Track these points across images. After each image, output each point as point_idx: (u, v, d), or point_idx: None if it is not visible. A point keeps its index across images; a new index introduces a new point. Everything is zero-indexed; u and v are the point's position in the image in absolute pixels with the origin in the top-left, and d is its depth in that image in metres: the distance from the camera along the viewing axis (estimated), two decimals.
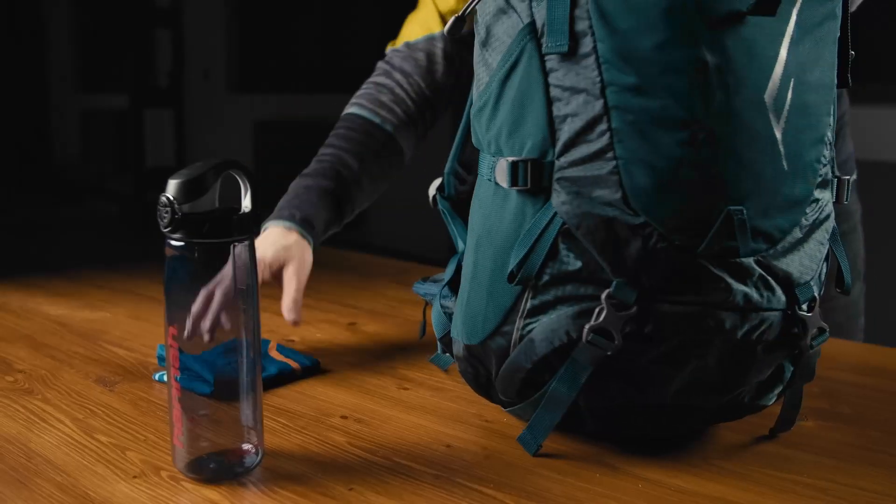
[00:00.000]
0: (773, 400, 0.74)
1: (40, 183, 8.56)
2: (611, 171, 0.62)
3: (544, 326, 0.66)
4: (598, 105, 0.62)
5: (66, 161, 9.21)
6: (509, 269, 0.67)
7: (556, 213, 0.64)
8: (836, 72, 0.69)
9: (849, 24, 0.71)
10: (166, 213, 0.62)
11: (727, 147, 0.62)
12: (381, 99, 1.07)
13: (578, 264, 0.64)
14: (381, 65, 1.13)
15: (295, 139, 6.13)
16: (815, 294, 0.68)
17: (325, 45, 6.36)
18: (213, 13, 7.17)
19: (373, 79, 1.12)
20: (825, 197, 0.69)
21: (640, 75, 0.61)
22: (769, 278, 0.65)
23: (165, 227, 0.63)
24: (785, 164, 0.64)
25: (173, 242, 0.64)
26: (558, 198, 0.64)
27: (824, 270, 0.71)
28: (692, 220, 0.62)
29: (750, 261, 0.64)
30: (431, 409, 0.83)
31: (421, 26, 1.10)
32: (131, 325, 1.12)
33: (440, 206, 0.87)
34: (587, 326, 0.64)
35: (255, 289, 0.68)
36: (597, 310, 0.64)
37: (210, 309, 0.71)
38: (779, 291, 0.66)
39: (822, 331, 0.69)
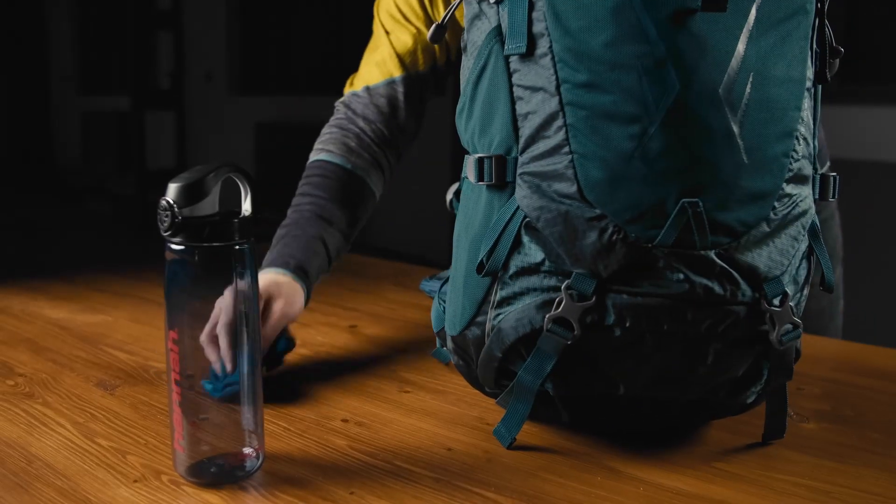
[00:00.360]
0: (753, 398, 0.74)
1: (41, 184, 8.56)
2: (566, 165, 0.64)
3: (511, 316, 0.69)
4: (553, 102, 0.65)
5: (67, 162, 9.22)
6: (478, 261, 0.69)
7: (518, 207, 0.67)
8: (808, 67, 0.68)
9: (825, 18, 0.71)
10: (166, 216, 0.62)
11: (679, 140, 0.62)
12: (349, 144, 1.06)
13: (541, 256, 0.67)
14: (340, 108, 1.10)
15: (296, 141, 6.14)
16: (787, 289, 0.68)
17: (326, 47, 6.36)
18: (215, 15, 7.17)
19: (335, 123, 1.09)
20: (801, 192, 0.69)
21: (591, 72, 0.63)
22: (732, 271, 0.66)
23: (165, 231, 0.63)
24: (744, 157, 0.64)
25: (173, 246, 0.64)
26: (520, 192, 0.67)
27: (803, 266, 0.71)
28: (647, 213, 0.63)
29: (710, 253, 0.65)
30: (432, 412, 0.83)
31: (380, 70, 1.08)
32: (132, 328, 1.12)
33: (455, 210, 0.88)
34: (547, 316, 0.66)
35: (256, 293, 0.67)
36: (556, 300, 0.66)
37: (221, 350, 0.74)
38: (744, 285, 0.66)
39: (794, 326, 0.69)
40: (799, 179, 0.68)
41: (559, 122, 0.65)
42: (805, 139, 0.69)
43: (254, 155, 6.64)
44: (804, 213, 0.70)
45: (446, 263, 0.87)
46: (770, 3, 0.65)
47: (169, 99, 6.62)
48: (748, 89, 0.64)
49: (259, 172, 6.53)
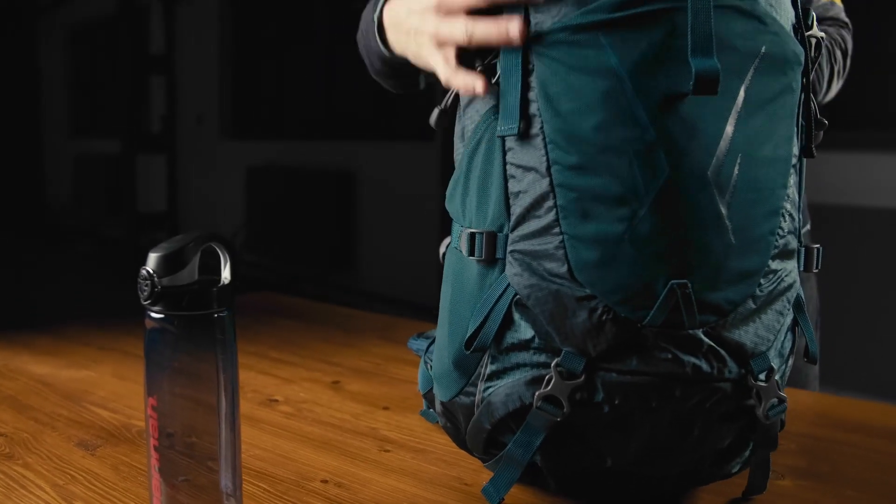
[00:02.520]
0: (738, 468, 0.74)
1: (32, 227, 8.55)
2: (557, 246, 0.65)
3: (501, 391, 0.69)
4: (544, 183, 0.66)
5: (57, 205, 9.23)
6: (466, 336, 0.70)
7: (509, 284, 0.67)
8: (794, 144, 0.70)
9: (811, 95, 0.73)
10: (146, 286, 0.63)
11: (668, 223, 0.63)
12: None
13: (531, 333, 0.67)
14: None
15: (287, 186, 6.18)
16: (773, 364, 0.69)
17: (319, 92, 6.42)
18: (207, 59, 7.25)
19: None
20: (786, 267, 0.70)
21: (582, 155, 0.64)
22: (719, 349, 0.66)
23: (146, 300, 0.64)
24: (732, 238, 0.65)
25: (153, 315, 0.65)
26: (511, 269, 0.67)
27: (787, 338, 0.72)
28: (637, 294, 0.64)
29: (698, 332, 0.66)
30: (412, 471, 0.83)
31: None
32: (116, 384, 1.12)
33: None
34: (537, 394, 0.66)
35: (236, 361, 0.68)
36: (546, 377, 0.66)
37: None
38: (730, 362, 0.67)
39: (780, 401, 0.70)
40: (784, 255, 0.70)
41: (550, 202, 0.65)
42: (791, 215, 0.70)
43: (245, 199, 6.67)
44: (789, 287, 0.71)
45: (435, 309, 0.88)
46: (758, 85, 0.66)
47: (160, 142, 6.68)
48: (736, 171, 0.65)
49: (250, 217, 6.55)
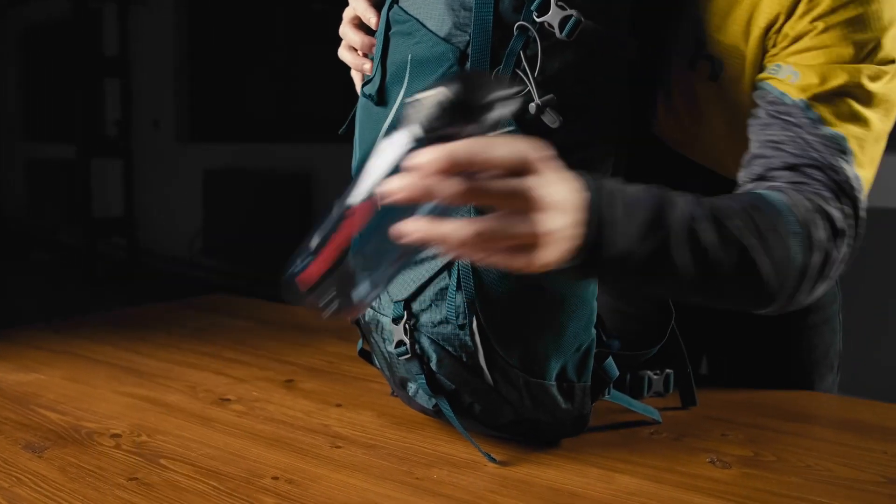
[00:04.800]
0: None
1: None
2: None
3: None
4: None
5: (11, 211, 9.07)
6: None
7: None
8: None
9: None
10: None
11: None
12: None
13: None
14: None
15: (245, 189, 6.13)
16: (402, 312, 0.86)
17: (276, 95, 6.38)
18: (162, 62, 7.17)
19: None
20: None
21: None
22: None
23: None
24: None
25: None
26: None
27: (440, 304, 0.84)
28: None
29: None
30: (363, 467, 0.84)
31: None
32: (66, 387, 1.11)
33: None
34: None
35: None
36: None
37: None
38: (388, 300, 0.88)
39: (399, 343, 0.87)
40: None
41: None
42: None
43: (203, 202, 6.61)
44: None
45: None
46: (413, 86, 0.83)
47: (116, 146, 6.57)
48: None
49: (208, 220, 6.50)
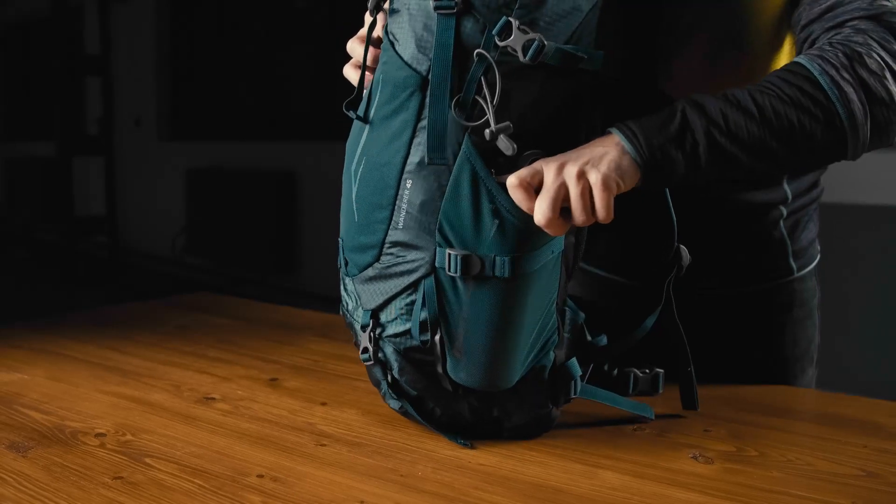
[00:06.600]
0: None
1: None
2: None
3: None
4: None
5: None
6: None
7: None
8: (405, 153, 0.87)
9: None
10: None
11: (345, 199, 0.93)
12: None
13: None
14: None
15: (228, 188, 6.11)
16: (369, 321, 0.90)
17: (258, 93, 6.36)
18: (144, 60, 7.13)
19: None
20: (406, 255, 0.85)
21: None
22: (356, 295, 0.92)
23: None
24: (356, 217, 0.89)
25: None
26: None
27: (402, 319, 0.87)
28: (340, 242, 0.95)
29: (349, 279, 0.93)
30: (348, 464, 0.84)
31: None
32: (48, 386, 1.10)
33: None
34: None
35: None
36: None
37: None
38: (362, 310, 0.91)
39: (364, 350, 0.91)
40: (403, 245, 0.86)
41: None
42: (406, 213, 0.88)
43: (185, 201, 6.58)
44: (407, 272, 0.85)
45: None
46: (379, 104, 0.87)
47: (97, 145, 6.53)
48: (361, 169, 0.90)
49: (191, 219, 6.47)
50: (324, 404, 1.03)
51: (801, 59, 0.88)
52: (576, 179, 0.77)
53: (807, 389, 1.15)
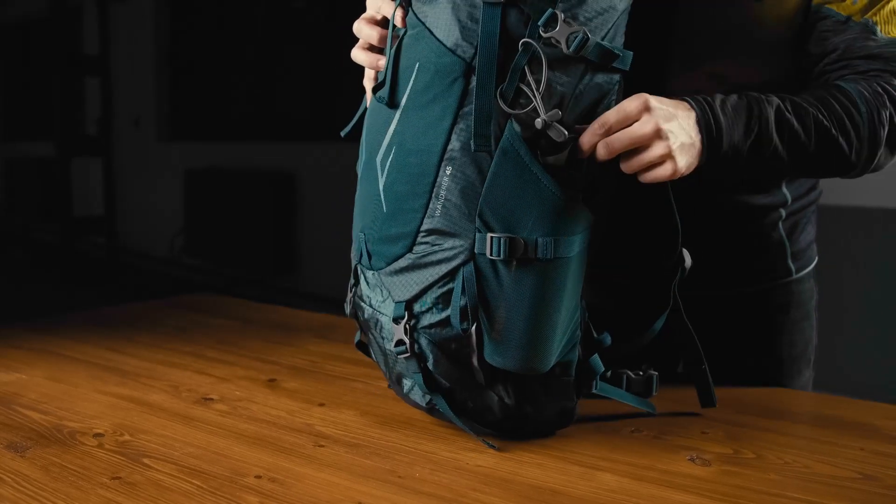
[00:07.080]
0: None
1: None
2: None
3: None
4: None
5: None
6: None
7: None
8: (447, 138, 0.86)
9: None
10: None
11: (362, 192, 0.95)
12: None
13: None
14: None
15: (227, 189, 6.10)
16: (415, 312, 0.88)
17: (258, 94, 6.36)
18: (143, 60, 7.13)
19: None
20: (442, 244, 0.85)
21: None
22: (385, 288, 0.91)
23: None
24: (384, 207, 0.89)
25: None
26: None
27: (439, 308, 0.87)
28: (356, 238, 0.96)
29: (373, 272, 0.92)
30: (346, 466, 0.84)
31: None
32: (47, 386, 1.10)
33: None
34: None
35: None
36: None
37: None
38: (390, 300, 0.90)
39: (399, 342, 0.90)
40: (439, 233, 0.85)
41: None
42: (447, 200, 0.88)
43: (184, 202, 6.57)
44: (445, 260, 0.86)
45: None
46: (415, 89, 0.87)
47: (96, 145, 6.53)
48: (391, 158, 0.89)
49: (190, 220, 6.47)
50: (322, 405, 1.03)
51: (849, 89, 0.95)
52: (660, 154, 0.84)
53: (804, 392, 1.15)
